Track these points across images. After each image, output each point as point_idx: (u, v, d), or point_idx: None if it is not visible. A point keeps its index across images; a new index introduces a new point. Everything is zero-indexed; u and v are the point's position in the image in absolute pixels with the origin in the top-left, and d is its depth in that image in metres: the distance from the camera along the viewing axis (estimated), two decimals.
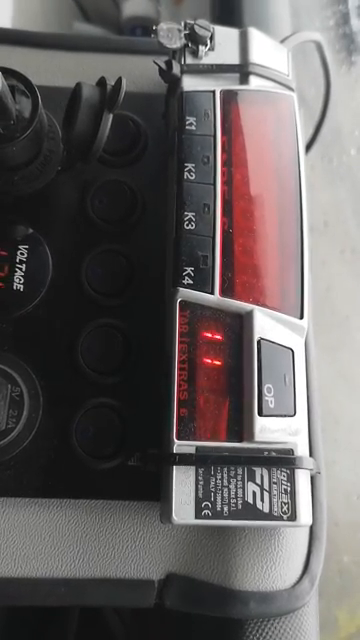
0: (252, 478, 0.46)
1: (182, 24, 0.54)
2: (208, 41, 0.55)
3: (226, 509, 0.45)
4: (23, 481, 0.50)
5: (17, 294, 0.53)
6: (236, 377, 0.47)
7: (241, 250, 0.49)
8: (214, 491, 0.45)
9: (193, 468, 0.45)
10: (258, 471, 0.46)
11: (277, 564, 0.50)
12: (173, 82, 0.55)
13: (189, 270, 0.48)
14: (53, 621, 0.72)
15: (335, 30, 1.67)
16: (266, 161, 0.53)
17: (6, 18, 1.00)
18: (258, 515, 0.45)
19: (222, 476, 0.45)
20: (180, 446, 0.45)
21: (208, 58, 0.55)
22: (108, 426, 0.51)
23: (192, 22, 0.54)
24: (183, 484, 0.45)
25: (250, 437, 0.45)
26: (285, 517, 0.45)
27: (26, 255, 0.54)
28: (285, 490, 0.46)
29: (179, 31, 0.54)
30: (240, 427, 0.46)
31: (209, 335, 0.48)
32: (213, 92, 0.53)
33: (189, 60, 0.55)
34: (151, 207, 0.57)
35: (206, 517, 0.44)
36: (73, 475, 0.50)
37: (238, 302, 0.48)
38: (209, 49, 0.55)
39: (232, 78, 0.55)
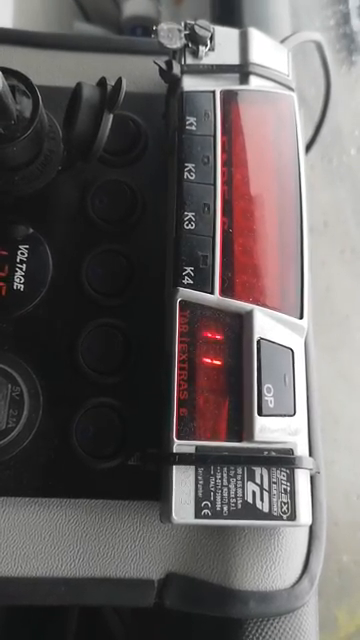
0: (252, 478, 0.46)
1: (182, 24, 0.54)
2: (208, 41, 0.55)
3: (226, 509, 0.45)
4: (23, 481, 0.50)
5: (17, 294, 0.53)
6: (236, 377, 0.47)
7: (241, 250, 0.49)
8: (214, 491, 0.45)
9: (193, 468, 0.45)
10: (258, 471, 0.46)
11: (277, 564, 0.50)
12: (173, 82, 0.55)
13: (189, 270, 0.48)
14: (52, 621, 0.72)
15: (335, 30, 1.67)
16: (266, 161, 0.53)
17: (7, 18, 1.00)
18: (258, 515, 0.45)
19: (222, 476, 0.45)
20: (180, 446, 0.45)
21: (208, 58, 0.55)
22: (108, 426, 0.51)
23: (192, 22, 0.54)
24: (183, 484, 0.45)
25: (250, 437, 0.45)
26: (285, 517, 0.45)
27: (26, 255, 0.55)
28: (285, 490, 0.46)
29: (179, 31, 0.54)
30: (240, 427, 0.46)
31: (209, 335, 0.48)
32: (213, 92, 0.53)
33: (189, 60, 0.55)
34: (151, 207, 0.57)
35: (206, 517, 0.45)
36: (73, 475, 0.50)
37: (238, 302, 0.48)
38: (209, 49, 0.55)
39: (232, 78, 0.55)
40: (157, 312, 0.53)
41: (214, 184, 0.51)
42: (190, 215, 0.50)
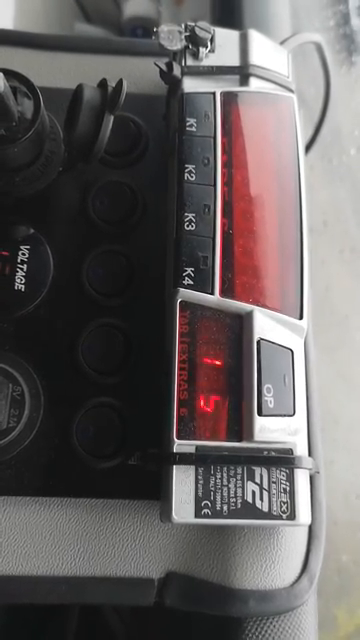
0: (251, 477, 0.46)
1: (183, 26, 0.54)
2: (209, 43, 0.55)
3: (225, 508, 0.45)
4: (24, 480, 0.50)
5: (18, 294, 0.54)
6: (236, 377, 0.48)
7: (241, 251, 0.50)
8: (214, 490, 0.45)
9: (193, 467, 0.45)
10: (257, 470, 0.46)
11: (276, 563, 0.50)
12: (174, 84, 0.55)
13: (189, 271, 0.49)
14: (52, 620, 0.72)
15: (335, 30, 1.67)
16: (266, 162, 0.53)
17: (7, 19, 1.00)
18: (257, 514, 0.45)
19: (222, 475, 0.46)
20: (180, 445, 0.46)
21: (208, 60, 0.55)
22: (108, 425, 0.51)
23: (193, 24, 0.54)
24: (183, 483, 0.45)
25: (250, 437, 0.46)
26: (284, 516, 0.46)
27: (27, 255, 0.55)
28: (284, 489, 0.46)
29: (180, 33, 0.54)
30: (240, 427, 0.47)
31: (209, 335, 0.48)
32: (213, 94, 0.53)
33: (190, 62, 0.55)
34: (152, 208, 0.58)
35: (206, 516, 0.45)
36: (74, 474, 0.51)
37: (238, 303, 0.48)
38: (209, 51, 0.55)
39: (232, 80, 0.55)
40: (157, 312, 0.53)
41: (214, 185, 0.51)
42: (190, 216, 0.50)
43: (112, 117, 0.50)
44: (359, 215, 1.63)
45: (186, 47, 0.55)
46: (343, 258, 1.58)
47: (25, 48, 0.63)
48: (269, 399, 0.46)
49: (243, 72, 0.55)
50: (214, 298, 0.48)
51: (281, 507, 0.46)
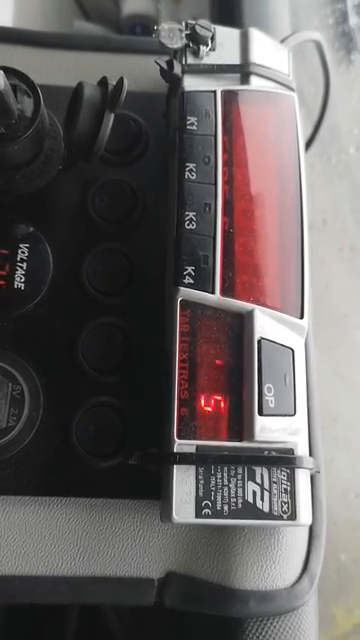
0: (252, 477, 0.46)
1: (183, 24, 0.54)
2: (209, 41, 0.55)
3: (226, 508, 0.45)
4: (23, 479, 0.50)
5: (18, 292, 0.54)
6: (236, 376, 0.47)
7: (242, 250, 0.49)
8: (214, 490, 0.45)
9: (193, 467, 0.45)
10: (258, 470, 0.46)
11: (277, 563, 0.50)
12: (174, 82, 0.55)
13: (190, 269, 0.48)
14: (52, 620, 0.72)
15: (334, 29, 1.67)
16: (267, 161, 0.53)
17: (7, 17, 1.00)
18: (258, 514, 0.45)
19: (222, 475, 0.45)
20: (180, 445, 0.46)
21: (209, 58, 0.55)
22: (108, 425, 0.51)
23: (193, 22, 0.54)
24: (183, 483, 0.45)
25: (250, 436, 0.45)
26: (285, 516, 0.45)
27: (27, 253, 0.55)
28: (285, 489, 0.46)
29: (180, 31, 0.54)
30: (240, 426, 0.46)
31: (210, 334, 0.48)
32: (214, 92, 0.53)
33: (190, 60, 0.55)
34: (152, 206, 0.57)
35: (206, 516, 0.45)
36: (73, 473, 0.50)
37: (239, 302, 0.48)
38: (210, 49, 0.55)
39: (233, 78, 0.55)
40: (157, 311, 0.53)
41: (215, 184, 0.51)
42: (191, 215, 0.50)
43: (112, 115, 0.50)
44: (358, 214, 1.63)
45: (187, 45, 0.55)
46: (342, 257, 1.58)
47: (25, 46, 0.63)
48: (270, 399, 0.46)
49: (244, 70, 0.55)
50: (215, 297, 0.48)
51: (282, 507, 0.45)
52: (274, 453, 0.46)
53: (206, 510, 0.45)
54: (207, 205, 0.50)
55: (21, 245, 0.55)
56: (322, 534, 0.53)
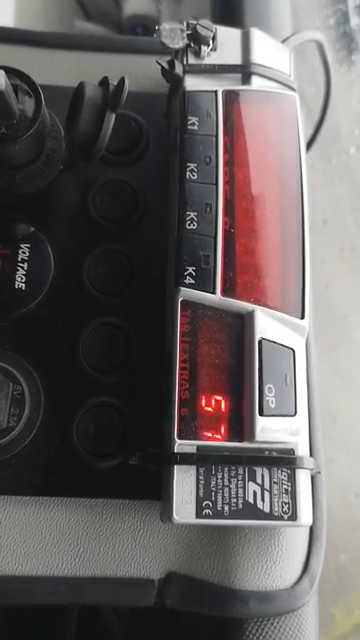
0: (253, 478, 0.46)
1: (185, 24, 0.54)
2: (210, 41, 0.55)
3: (227, 509, 0.45)
4: (24, 479, 0.50)
5: (19, 293, 0.54)
6: (237, 377, 0.47)
7: (243, 250, 0.49)
8: (215, 490, 0.45)
9: (194, 467, 0.45)
10: (259, 471, 0.46)
11: (277, 564, 0.50)
12: (175, 82, 0.55)
13: (191, 270, 0.48)
14: (52, 621, 0.72)
15: (335, 29, 1.67)
16: (268, 161, 0.53)
17: (8, 17, 1.00)
18: (259, 515, 0.45)
19: (223, 476, 0.45)
20: (181, 445, 0.46)
21: (210, 58, 0.55)
22: (109, 425, 0.51)
23: (195, 22, 0.54)
24: (184, 483, 0.45)
25: (251, 437, 0.45)
26: (286, 517, 0.45)
27: (28, 254, 0.55)
28: (286, 490, 0.46)
29: (182, 31, 0.54)
30: (241, 427, 0.46)
31: (210, 335, 0.48)
32: (215, 92, 0.53)
33: (191, 60, 0.55)
34: (153, 206, 0.57)
35: (207, 516, 0.45)
36: (74, 474, 0.50)
37: (239, 302, 0.48)
38: (211, 49, 0.55)
39: (234, 78, 0.55)
40: (158, 312, 0.53)
41: (216, 184, 0.51)
42: (192, 215, 0.50)
43: (113, 115, 0.50)
44: (358, 214, 1.63)
45: (188, 45, 0.55)
46: (342, 257, 1.58)
47: (26, 46, 0.63)
48: (270, 399, 0.46)
49: (245, 70, 0.55)
50: (215, 297, 0.48)
51: (282, 508, 0.45)
52: (275, 453, 0.46)
53: (207, 510, 0.45)
54: (208, 205, 0.50)
55: (22, 245, 0.55)
56: (322, 535, 0.53)
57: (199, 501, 0.45)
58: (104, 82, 0.51)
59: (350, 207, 1.65)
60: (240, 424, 0.46)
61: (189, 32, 0.54)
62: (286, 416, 0.47)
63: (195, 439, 0.46)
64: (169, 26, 0.54)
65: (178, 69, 0.54)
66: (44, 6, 1.23)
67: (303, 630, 0.52)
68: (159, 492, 0.48)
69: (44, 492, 0.51)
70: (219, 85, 0.54)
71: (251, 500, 0.45)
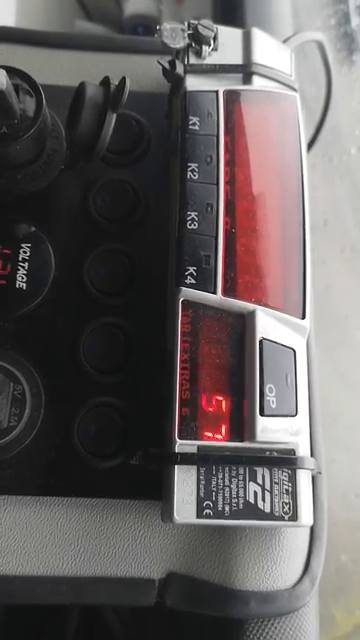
0: (254, 478, 0.46)
1: (186, 24, 0.54)
2: (211, 41, 0.55)
3: (227, 509, 0.45)
4: (24, 479, 0.50)
5: (20, 292, 0.54)
6: (238, 377, 0.47)
7: (244, 250, 0.49)
8: (215, 491, 0.45)
9: (195, 467, 0.45)
10: (260, 471, 0.46)
11: (278, 564, 0.50)
12: (176, 82, 0.55)
13: (192, 270, 0.48)
14: (52, 620, 0.72)
15: (336, 29, 1.67)
16: (269, 161, 0.53)
17: (9, 17, 1.00)
18: (259, 515, 0.45)
19: (224, 476, 0.45)
20: (182, 445, 0.46)
21: (211, 58, 0.55)
22: (110, 425, 0.51)
23: (196, 22, 0.54)
24: (185, 483, 0.45)
25: (252, 437, 0.45)
26: (286, 517, 0.45)
27: (29, 253, 0.55)
28: (286, 490, 0.46)
29: (183, 31, 0.54)
30: (242, 427, 0.46)
31: (211, 335, 0.48)
32: (216, 92, 0.53)
33: (192, 60, 0.55)
34: (154, 206, 0.57)
35: (207, 517, 0.45)
36: (74, 473, 0.50)
37: (240, 302, 0.48)
38: (212, 49, 0.55)
39: (235, 78, 0.55)
40: (159, 311, 0.53)
41: (217, 184, 0.51)
42: (193, 215, 0.50)
43: (114, 115, 0.50)
44: (359, 214, 1.63)
45: (189, 45, 0.55)
46: (343, 257, 1.58)
47: (27, 45, 0.63)
48: (271, 399, 0.46)
49: (246, 70, 0.55)
50: (216, 297, 0.48)
51: (283, 508, 0.45)
52: (275, 454, 0.46)
53: (207, 510, 0.45)
54: (209, 205, 0.50)
55: (23, 245, 0.55)
56: (323, 535, 0.53)
57: (200, 501, 0.45)
58: (105, 82, 0.51)
59: (351, 207, 1.65)
60: (241, 424, 0.46)
61: (190, 32, 0.54)
62: (287, 416, 0.47)
63: (196, 439, 0.46)
64: (170, 26, 0.54)
65: (179, 69, 0.54)
66: (45, 6, 1.23)
67: (304, 630, 0.52)
68: (160, 492, 0.48)
69: (45, 492, 0.51)
70: (220, 85, 0.54)
71: (252, 500, 0.45)
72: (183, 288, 0.48)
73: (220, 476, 0.45)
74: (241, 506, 0.45)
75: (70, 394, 0.52)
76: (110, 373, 0.52)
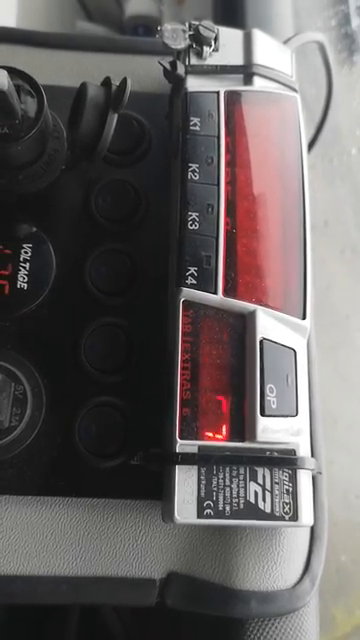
0: (254, 478, 0.46)
1: (187, 25, 0.54)
2: (212, 42, 0.55)
3: (228, 509, 0.45)
4: (25, 479, 0.50)
5: (21, 293, 0.54)
6: (239, 377, 0.47)
7: (244, 250, 0.49)
8: (216, 491, 0.45)
9: (195, 467, 0.45)
10: (260, 471, 0.46)
11: (278, 564, 0.50)
12: (177, 82, 0.55)
13: (192, 270, 0.48)
14: (52, 620, 0.72)
15: (337, 30, 1.67)
16: (269, 162, 0.53)
17: (10, 17, 1.00)
18: (260, 515, 0.45)
19: (224, 476, 0.45)
20: (182, 445, 0.46)
21: (212, 59, 0.55)
22: (111, 425, 0.51)
23: (197, 23, 0.54)
24: (185, 483, 0.45)
25: (252, 437, 0.46)
26: (287, 517, 0.45)
27: (30, 254, 0.55)
28: (287, 490, 0.46)
29: (184, 32, 0.54)
30: (242, 427, 0.46)
31: (212, 335, 0.48)
32: (217, 93, 0.53)
33: (193, 61, 0.55)
34: (155, 207, 0.57)
35: (208, 516, 0.45)
36: (75, 473, 0.50)
37: (241, 302, 0.48)
38: (213, 50, 0.55)
39: (236, 79, 0.55)
40: (160, 312, 0.53)
41: (218, 184, 0.51)
42: (194, 215, 0.50)
43: (116, 116, 0.50)
44: (359, 215, 1.63)
45: (190, 46, 0.55)
46: (344, 258, 1.58)
47: (28, 46, 0.63)
48: (272, 399, 0.46)
49: (247, 71, 0.55)
50: (217, 298, 0.48)
51: (284, 508, 0.45)
52: (276, 454, 0.46)
53: (208, 510, 0.45)
54: (210, 206, 0.50)
55: (24, 245, 0.55)
56: (323, 535, 0.53)
57: (200, 501, 0.45)
58: (106, 82, 0.51)
59: (351, 208, 1.65)
60: (241, 424, 0.46)
61: (191, 33, 0.54)
62: (287, 416, 0.47)
63: (196, 439, 0.46)
64: (171, 27, 0.54)
65: (180, 70, 0.54)
66: (46, 6, 1.23)
67: (304, 630, 0.52)
68: (160, 492, 0.48)
69: (46, 492, 0.51)
70: (221, 86, 0.54)
71: (252, 500, 0.45)
72: (184, 288, 0.48)
73: (221, 476, 0.45)
74: (242, 506, 0.45)
75: (71, 394, 0.52)
76: (111, 373, 0.52)
